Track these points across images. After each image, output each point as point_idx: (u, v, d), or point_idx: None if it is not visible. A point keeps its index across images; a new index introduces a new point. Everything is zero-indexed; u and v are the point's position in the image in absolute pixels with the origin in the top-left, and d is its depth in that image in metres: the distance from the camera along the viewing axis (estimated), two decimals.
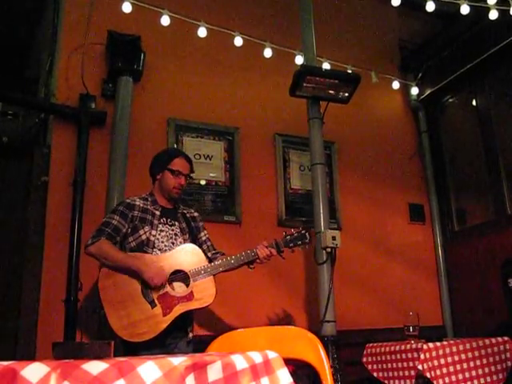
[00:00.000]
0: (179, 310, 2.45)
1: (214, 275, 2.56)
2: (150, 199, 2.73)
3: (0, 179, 3.55)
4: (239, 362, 1.06)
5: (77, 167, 3.43)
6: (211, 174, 3.97)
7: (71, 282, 3.20)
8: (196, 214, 2.89)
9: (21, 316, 3.17)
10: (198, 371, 0.99)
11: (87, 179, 3.44)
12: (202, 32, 3.84)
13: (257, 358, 1.12)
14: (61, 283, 3.21)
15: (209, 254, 2.75)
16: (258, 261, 2.65)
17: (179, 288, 2.50)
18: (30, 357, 2.98)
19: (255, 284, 3.70)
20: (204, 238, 2.82)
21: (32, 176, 3.46)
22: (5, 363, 0.94)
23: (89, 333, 3.21)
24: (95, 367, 0.93)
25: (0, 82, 3.98)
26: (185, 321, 2.56)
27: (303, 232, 2.75)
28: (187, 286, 2.50)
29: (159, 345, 2.41)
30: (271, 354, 1.17)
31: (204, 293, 2.50)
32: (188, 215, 2.83)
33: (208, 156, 3.99)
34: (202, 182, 3.92)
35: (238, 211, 3.94)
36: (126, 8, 3.59)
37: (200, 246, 2.72)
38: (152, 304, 2.42)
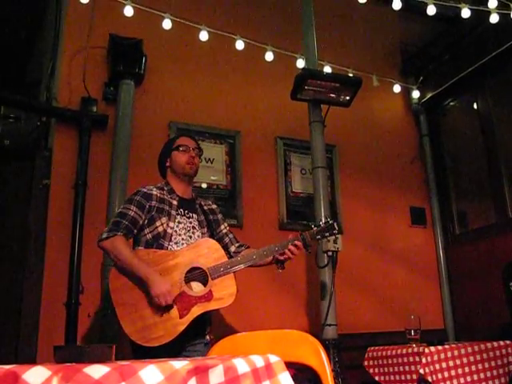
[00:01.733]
0: (197, 311, 2.25)
1: (234, 272, 2.36)
2: (166, 188, 2.54)
3: (1, 182, 3.55)
4: (241, 365, 1.05)
5: (78, 170, 3.44)
6: (212, 178, 3.97)
7: (72, 285, 3.20)
8: (214, 206, 2.72)
9: (22, 319, 3.17)
10: (200, 375, 0.99)
11: (89, 182, 3.45)
12: (204, 36, 3.85)
13: (258, 361, 1.11)
14: (62, 286, 3.21)
15: (232, 248, 2.60)
16: (282, 257, 2.45)
17: (197, 287, 2.30)
18: (32, 360, 2.98)
19: (257, 287, 3.69)
20: (225, 231, 2.65)
21: (33, 179, 3.47)
22: (6, 367, 0.94)
23: (90, 336, 3.22)
24: (97, 371, 0.92)
25: (2, 85, 3.99)
26: (203, 322, 2.37)
27: (331, 222, 2.57)
28: (205, 284, 2.31)
29: (176, 349, 2.22)
30: (273, 358, 1.17)
31: (224, 292, 2.29)
32: (206, 207, 2.65)
33: (209, 159, 3.99)
34: (204, 186, 3.91)
35: (240, 214, 3.94)
36: (128, 12, 3.59)
37: (221, 240, 2.56)
38: (168, 305, 2.24)
